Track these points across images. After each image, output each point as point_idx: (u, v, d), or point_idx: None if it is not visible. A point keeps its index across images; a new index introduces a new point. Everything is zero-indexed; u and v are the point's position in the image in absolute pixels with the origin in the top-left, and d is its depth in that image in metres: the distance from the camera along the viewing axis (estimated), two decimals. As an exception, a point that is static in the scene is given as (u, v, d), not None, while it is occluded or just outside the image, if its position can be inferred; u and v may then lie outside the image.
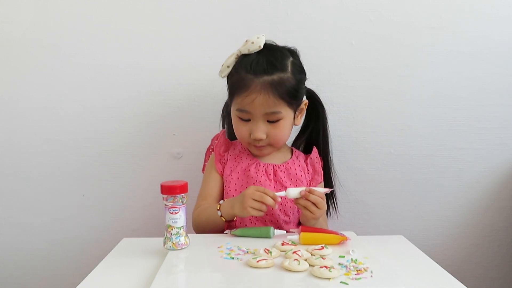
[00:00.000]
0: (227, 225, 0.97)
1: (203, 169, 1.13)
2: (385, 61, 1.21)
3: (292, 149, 1.10)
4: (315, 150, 1.09)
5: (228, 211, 0.93)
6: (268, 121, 0.96)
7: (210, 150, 1.12)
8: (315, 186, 1.06)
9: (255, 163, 1.03)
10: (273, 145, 1.00)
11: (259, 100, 0.93)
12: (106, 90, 1.22)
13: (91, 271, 0.76)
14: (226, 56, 1.00)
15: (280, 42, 1.01)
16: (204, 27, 1.19)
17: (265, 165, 1.03)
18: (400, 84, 1.23)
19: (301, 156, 1.09)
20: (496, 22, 1.20)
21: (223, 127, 1.13)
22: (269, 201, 0.87)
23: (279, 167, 1.03)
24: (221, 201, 0.97)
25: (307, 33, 1.19)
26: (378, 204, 1.30)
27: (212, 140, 1.12)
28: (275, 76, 0.93)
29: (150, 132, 1.25)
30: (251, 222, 0.99)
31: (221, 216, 0.94)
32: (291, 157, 1.07)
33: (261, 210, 0.88)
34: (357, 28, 1.19)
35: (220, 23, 1.19)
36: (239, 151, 1.06)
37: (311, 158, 1.07)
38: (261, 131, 0.96)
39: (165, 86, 1.22)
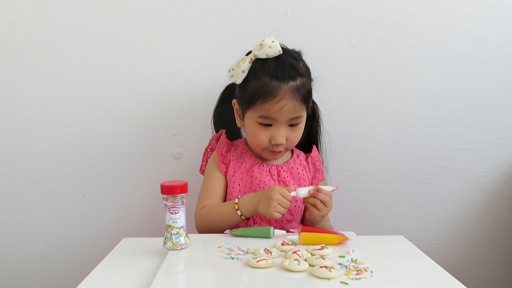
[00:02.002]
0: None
1: (200, 170, 1.13)
2: (385, 61, 1.21)
3: (292, 149, 1.10)
4: (315, 148, 1.09)
5: (250, 208, 0.91)
6: (289, 125, 0.96)
7: (209, 150, 1.11)
8: (317, 184, 1.07)
9: (258, 164, 1.03)
10: (288, 149, 1.00)
11: (288, 106, 0.91)
12: (106, 90, 1.22)
13: (91, 271, 0.76)
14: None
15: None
16: (204, 27, 1.19)
17: (268, 165, 1.03)
18: (400, 84, 1.23)
19: (302, 155, 1.09)
20: (496, 22, 1.20)
21: (216, 132, 1.13)
22: (288, 206, 0.90)
23: (282, 167, 1.03)
24: (236, 199, 0.93)
25: (307, 33, 1.19)
26: (378, 204, 1.30)
27: (211, 140, 1.11)
28: (299, 81, 0.93)
29: (150, 132, 1.25)
30: (255, 222, 0.99)
31: (241, 215, 0.92)
32: (291, 157, 1.07)
33: (282, 213, 0.90)
34: (357, 28, 1.20)
35: (220, 23, 1.19)
36: (241, 152, 1.06)
37: (311, 156, 1.07)
38: (283, 136, 0.95)
39: (165, 86, 1.22)
